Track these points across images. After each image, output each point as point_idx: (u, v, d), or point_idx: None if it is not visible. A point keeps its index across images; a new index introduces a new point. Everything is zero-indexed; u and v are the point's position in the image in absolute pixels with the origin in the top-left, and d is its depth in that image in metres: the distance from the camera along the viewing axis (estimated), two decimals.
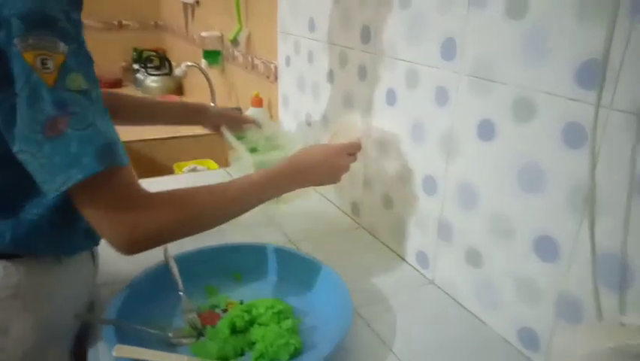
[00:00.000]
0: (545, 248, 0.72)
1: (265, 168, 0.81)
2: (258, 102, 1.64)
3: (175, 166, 1.67)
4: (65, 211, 0.66)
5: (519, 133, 0.73)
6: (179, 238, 0.70)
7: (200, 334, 0.77)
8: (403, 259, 1.04)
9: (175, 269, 0.86)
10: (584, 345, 0.56)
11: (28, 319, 0.69)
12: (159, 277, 0.85)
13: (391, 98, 1.00)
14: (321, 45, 1.23)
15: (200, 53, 2.05)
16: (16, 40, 0.54)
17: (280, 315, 0.78)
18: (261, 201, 0.78)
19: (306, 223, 1.18)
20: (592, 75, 0.62)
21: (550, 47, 0.67)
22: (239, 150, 1.01)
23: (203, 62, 2.04)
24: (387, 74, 1.00)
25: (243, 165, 0.98)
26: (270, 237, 1.06)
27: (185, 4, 2.43)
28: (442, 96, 0.87)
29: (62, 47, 0.57)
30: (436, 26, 0.86)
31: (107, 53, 2.65)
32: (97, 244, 0.79)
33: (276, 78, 1.53)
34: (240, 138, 1.05)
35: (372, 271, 0.98)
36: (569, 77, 0.65)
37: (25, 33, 0.55)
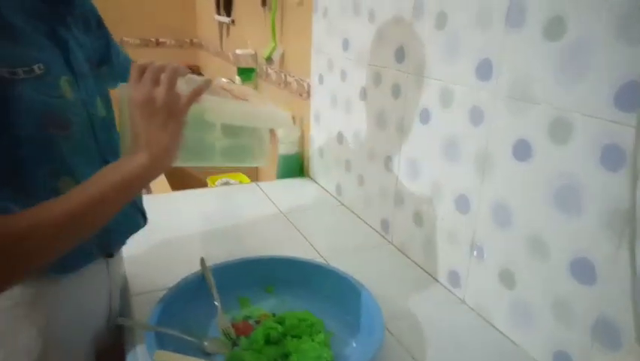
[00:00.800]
0: (582, 270, 0.71)
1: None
2: None
3: (208, 180, 1.71)
4: None
5: (556, 154, 0.73)
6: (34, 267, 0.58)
7: (234, 344, 0.79)
8: (434, 278, 1.03)
9: (212, 280, 0.88)
10: None
11: (32, 329, 0.69)
12: (195, 286, 0.87)
13: (425, 116, 1.01)
14: (355, 63, 1.25)
15: (234, 70, 2.11)
16: None
17: (312, 328, 0.79)
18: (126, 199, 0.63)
19: (335, 238, 1.19)
20: (632, 97, 0.62)
21: (588, 68, 0.67)
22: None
23: (237, 79, 2.09)
24: (421, 93, 1.02)
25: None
26: (300, 251, 1.07)
27: (220, 23, 2.50)
28: (477, 116, 0.87)
29: None
30: (472, 47, 0.87)
31: None
32: (109, 255, 0.81)
33: (308, 95, 1.56)
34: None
35: (401, 288, 0.98)
36: (608, 99, 0.65)
37: None
